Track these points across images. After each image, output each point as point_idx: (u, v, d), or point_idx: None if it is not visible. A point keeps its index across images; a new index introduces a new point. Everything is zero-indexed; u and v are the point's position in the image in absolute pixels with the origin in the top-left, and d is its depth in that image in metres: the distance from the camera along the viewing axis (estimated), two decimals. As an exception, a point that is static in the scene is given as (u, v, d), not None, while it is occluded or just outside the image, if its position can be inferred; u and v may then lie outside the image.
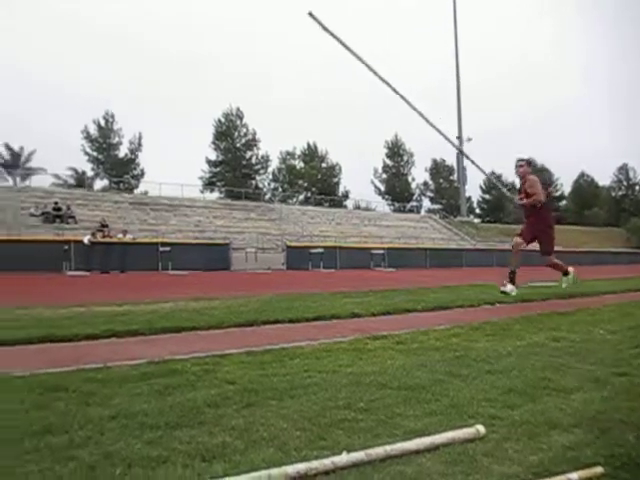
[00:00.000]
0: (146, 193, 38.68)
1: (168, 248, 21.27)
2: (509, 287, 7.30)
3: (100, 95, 70.90)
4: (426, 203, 64.98)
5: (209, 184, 52.88)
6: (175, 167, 71.46)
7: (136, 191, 43.35)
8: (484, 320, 5.38)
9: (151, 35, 76.81)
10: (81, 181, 44.58)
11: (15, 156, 46.63)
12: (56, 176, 43.98)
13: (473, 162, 7.72)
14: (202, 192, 48.06)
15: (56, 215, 25.02)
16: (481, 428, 1.99)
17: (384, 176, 62.85)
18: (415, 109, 6.51)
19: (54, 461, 1.73)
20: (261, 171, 57.47)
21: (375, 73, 6.13)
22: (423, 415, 2.26)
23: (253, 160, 56.12)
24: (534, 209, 7.27)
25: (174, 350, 3.77)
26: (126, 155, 49.00)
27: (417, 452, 1.82)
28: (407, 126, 77.54)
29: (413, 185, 64.23)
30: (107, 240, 21.64)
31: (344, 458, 1.70)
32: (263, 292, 9.60)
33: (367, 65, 6.00)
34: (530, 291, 8.80)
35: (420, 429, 2.06)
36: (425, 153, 77.70)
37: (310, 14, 5.53)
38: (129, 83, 71.51)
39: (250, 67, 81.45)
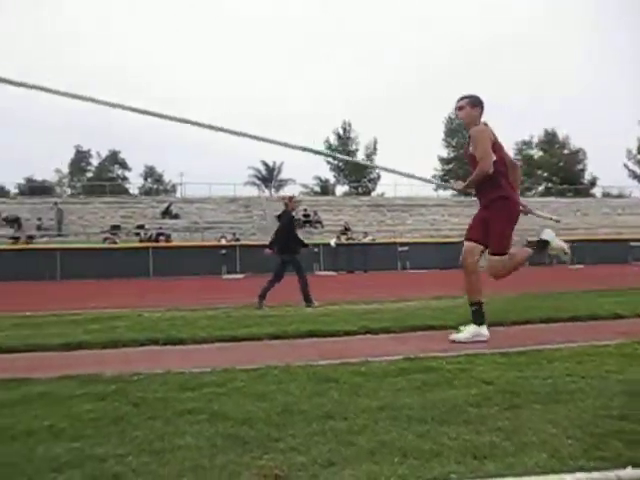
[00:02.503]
0: (382, 195, 40.21)
1: (406, 248, 21.84)
2: (466, 333, 4.32)
3: (337, 107, 76.01)
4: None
5: (442, 181, 52.70)
6: (408, 167, 72.73)
7: (373, 194, 45.36)
8: None
9: (383, 45, 79.57)
10: (325, 188, 48.46)
11: (269, 170, 52.74)
12: (304, 185, 48.59)
13: None
14: (435, 190, 48.12)
15: (305, 221, 27.59)
16: None
17: (640, 157, 54.94)
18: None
19: (338, 443, 1.95)
20: (495, 164, 55.27)
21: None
22: None
23: (486, 153, 54.24)
24: (485, 183, 4.52)
25: (425, 347, 3.89)
26: (362, 160, 51.64)
27: None
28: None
29: (682, 164, 54.91)
30: (350, 242, 23.11)
31: (629, 472, 1.58)
32: (505, 290, 9.25)
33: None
34: None
35: None
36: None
37: None
38: (362, 92, 75.06)
39: (480, 55, 78.51)
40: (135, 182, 52.33)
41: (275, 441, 1.99)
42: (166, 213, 27.67)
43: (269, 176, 52.14)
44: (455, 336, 4.28)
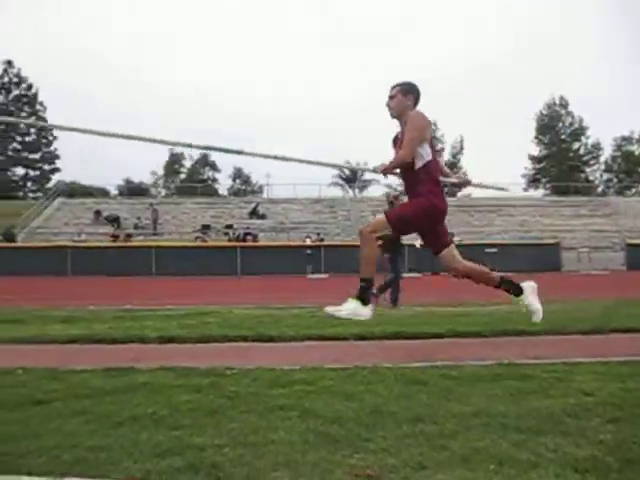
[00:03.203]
0: (469, 196, 39.16)
1: (494, 249, 21.16)
2: (349, 305, 3.95)
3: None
4: None
5: (533, 181, 50.63)
6: (496, 166, 70.27)
7: (459, 194, 44.30)
8: None
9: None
10: (409, 189, 47.94)
11: (353, 170, 52.90)
12: (387, 186, 48.19)
13: None
14: (526, 190, 46.32)
15: (389, 221, 27.45)
16: None
17: None
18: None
19: (430, 448, 1.91)
20: (591, 162, 52.33)
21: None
22: None
23: (581, 150, 51.49)
24: (408, 174, 4.16)
25: (519, 353, 3.75)
26: (448, 160, 50.64)
27: None
28: None
29: None
30: (435, 243, 22.71)
31: None
32: (602, 295, 8.75)
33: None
34: None
35: None
36: None
37: None
38: (449, 86, 73.35)
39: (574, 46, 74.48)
40: (224, 183, 54.49)
41: (365, 441, 2.00)
42: (253, 213, 28.47)
43: (353, 177, 52.33)
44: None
